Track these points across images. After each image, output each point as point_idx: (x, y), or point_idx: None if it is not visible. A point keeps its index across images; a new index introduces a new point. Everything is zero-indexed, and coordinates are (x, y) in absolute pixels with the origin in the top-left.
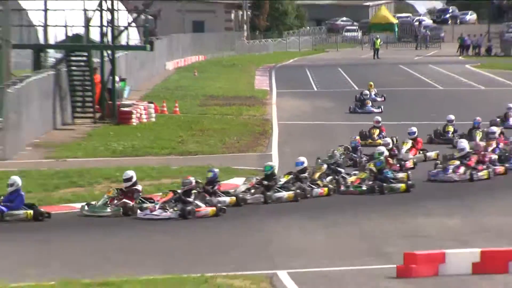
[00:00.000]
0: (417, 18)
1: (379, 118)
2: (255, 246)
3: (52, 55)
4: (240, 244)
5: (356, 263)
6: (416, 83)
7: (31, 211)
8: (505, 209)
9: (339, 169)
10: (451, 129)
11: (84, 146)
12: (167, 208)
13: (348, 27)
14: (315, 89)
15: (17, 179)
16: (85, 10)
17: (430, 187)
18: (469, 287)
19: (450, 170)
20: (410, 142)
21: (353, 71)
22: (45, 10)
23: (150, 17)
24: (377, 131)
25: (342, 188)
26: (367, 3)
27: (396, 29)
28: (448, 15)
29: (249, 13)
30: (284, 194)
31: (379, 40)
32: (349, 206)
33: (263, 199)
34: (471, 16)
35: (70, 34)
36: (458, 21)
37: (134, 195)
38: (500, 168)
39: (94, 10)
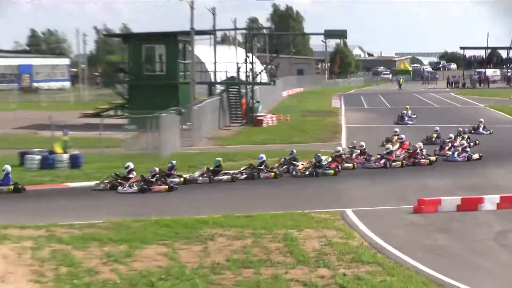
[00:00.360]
0: (423, 67)
1: (397, 129)
2: (330, 197)
3: (219, 88)
4: (321, 196)
5: (389, 205)
6: (422, 103)
7: (12, 187)
8: (476, 175)
9: (293, 162)
10: (435, 135)
11: (236, 138)
12: (134, 186)
13: (384, 72)
14: (366, 106)
15: (7, 167)
16: (237, 62)
17: (431, 166)
18: (455, 218)
19: (372, 161)
20: (398, 144)
21: (387, 96)
22: (215, 63)
23: (273, 66)
24: (396, 137)
25: (294, 173)
26: (395, 59)
27: (411, 73)
28: (440, 65)
29: (328, 64)
30: (224, 177)
31: (401, 79)
32: (383, 174)
33: (208, 180)
34: (453, 65)
35: (228, 76)
36: (446, 68)
37: (129, 178)
38: (425, 161)
39: (242, 63)
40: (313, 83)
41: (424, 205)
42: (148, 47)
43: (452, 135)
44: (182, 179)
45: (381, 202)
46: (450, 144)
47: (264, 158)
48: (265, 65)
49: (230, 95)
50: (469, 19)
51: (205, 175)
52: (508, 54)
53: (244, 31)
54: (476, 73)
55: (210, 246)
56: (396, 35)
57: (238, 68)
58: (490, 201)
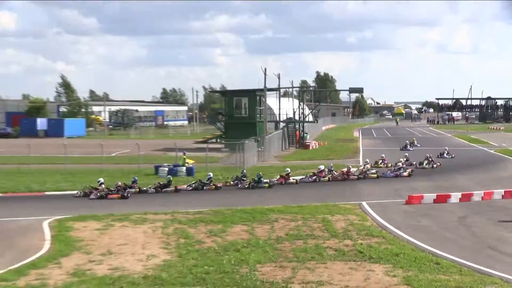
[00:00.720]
0: (412, 110)
1: (383, 155)
2: (351, 194)
3: (282, 124)
4: (344, 193)
5: (390, 199)
6: (411, 134)
7: None
8: (446, 180)
9: (243, 178)
10: (404, 159)
11: (292, 156)
12: (98, 194)
13: (386, 114)
14: (375, 136)
15: None
16: (293, 108)
17: (419, 174)
18: (432, 208)
19: (308, 177)
20: (368, 165)
21: (388, 130)
22: (279, 108)
23: (316, 111)
24: (380, 160)
25: (239, 186)
26: (394, 106)
27: (404, 115)
28: (423, 110)
29: (351, 109)
30: (170, 189)
31: (398, 118)
32: (383, 181)
33: (155, 191)
34: (431, 110)
35: (287, 117)
36: (427, 111)
37: (99, 189)
38: (353, 176)
39: (296, 108)
40: (341, 121)
41: (412, 199)
42: (237, 99)
43: (402, 160)
44: (137, 189)
45: (385, 197)
46: (400, 165)
47: (212, 175)
48: (311, 110)
49: (289, 129)
50: (441, 81)
51: (156, 186)
52: (466, 102)
53: (297, 89)
54: (446, 115)
55: (275, 226)
56: (395, 89)
57: (294, 112)
58: (455, 197)
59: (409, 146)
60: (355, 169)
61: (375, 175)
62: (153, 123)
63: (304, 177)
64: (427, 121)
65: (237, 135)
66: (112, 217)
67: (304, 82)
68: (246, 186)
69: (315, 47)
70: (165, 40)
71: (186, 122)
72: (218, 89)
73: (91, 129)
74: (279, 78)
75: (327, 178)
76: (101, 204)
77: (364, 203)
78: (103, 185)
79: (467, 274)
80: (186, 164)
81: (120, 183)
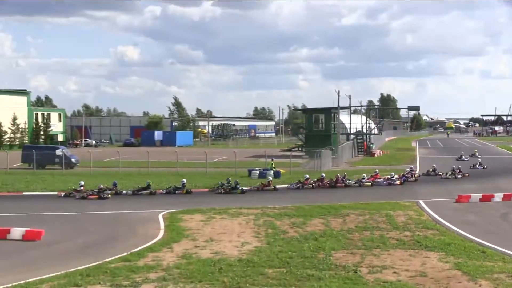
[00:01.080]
0: (460, 125)
1: (412, 166)
2: (409, 195)
3: (351, 136)
4: (405, 194)
5: (442, 198)
6: (459, 144)
7: None
8: (488, 183)
9: (226, 184)
10: (431, 169)
11: (360, 162)
12: (83, 195)
13: (439, 128)
14: (429, 146)
15: None
16: (362, 123)
17: (466, 178)
18: (478, 206)
19: (292, 185)
20: (370, 175)
21: (441, 141)
22: (350, 123)
23: (380, 125)
24: (408, 170)
25: (218, 191)
26: (445, 121)
27: (454, 128)
28: (469, 124)
29: (409, 124)
30: (144, 192)
31: (449, 131)
32: (437, 182)
33: (132, 193)
34: (477, 124)
35: (356, 130)
36: (473, 126)
37: (80, 190)
38: (341, 184)
39: (364, 123)
40: (401, 134)
41: (462, 198)
42: (315, 115)
43: (410, 169)
44: (114, 192)
45: (438, 196)
46: (393, 174)
47: (185, 181)
48: (376, 125)
49: (358, 140)
50: (485, 101)
51: (132, 190)
52: (506, 118)
53: (365, 107)
54: (489, 128)
55: (346, 219)
56: (446, 107)
57: (362, 126)
58: (498, 197)
59: (463, 157)
60: (353, 181)
61: (370, 183)
62: (247, 135)
63: (289, 184)
64: (473, 133)
65: (315, 145)
66: (214, 211)
67: (370, 102)
68: (221, 192)
69: (379, 73)
70: (257, 68)
71: (273, 134)
72: (300, 107)
73: (197, 139)
74: (350, 98)
75: (310, 185)
76: (189, 200)
77: (420, 201)
78: (82, 187)
79: (509, 261)
80: (274, 168)
81: (102, 185)
